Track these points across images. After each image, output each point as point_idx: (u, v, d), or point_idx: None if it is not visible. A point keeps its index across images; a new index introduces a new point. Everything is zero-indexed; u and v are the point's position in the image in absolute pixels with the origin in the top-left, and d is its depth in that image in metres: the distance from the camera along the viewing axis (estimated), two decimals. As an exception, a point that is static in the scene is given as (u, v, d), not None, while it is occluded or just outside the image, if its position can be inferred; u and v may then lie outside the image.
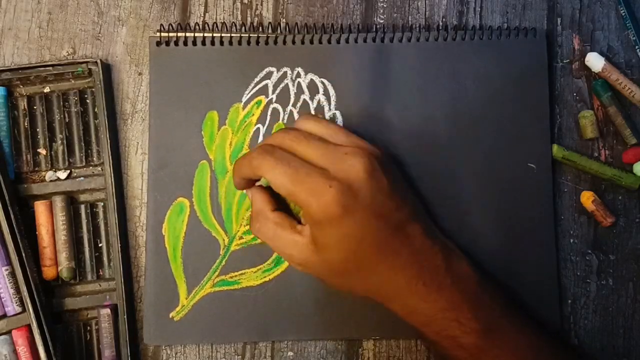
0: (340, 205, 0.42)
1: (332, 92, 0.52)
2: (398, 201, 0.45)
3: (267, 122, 0.52)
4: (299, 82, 0.52)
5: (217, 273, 0.51)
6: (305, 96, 0.52)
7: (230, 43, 0.53)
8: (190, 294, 0.51)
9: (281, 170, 0.43)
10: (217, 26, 0.53)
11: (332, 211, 0.43)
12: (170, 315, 0.50)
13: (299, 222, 0.46)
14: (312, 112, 0.52)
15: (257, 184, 0.47)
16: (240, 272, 0.51)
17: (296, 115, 0.52)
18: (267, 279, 0.51)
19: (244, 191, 0.50)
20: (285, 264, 0.51)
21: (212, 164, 0.52)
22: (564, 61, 0.54)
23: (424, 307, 0.45)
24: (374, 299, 0.46)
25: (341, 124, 0.52)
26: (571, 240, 0.52)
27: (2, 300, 0.49)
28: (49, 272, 0.50)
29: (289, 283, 0.51)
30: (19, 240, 0.49)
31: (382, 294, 0.46)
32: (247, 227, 0.51)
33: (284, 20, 0.54)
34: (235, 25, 0.53)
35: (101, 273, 0.52)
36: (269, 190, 0.47)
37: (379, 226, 0.44)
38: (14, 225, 0.49)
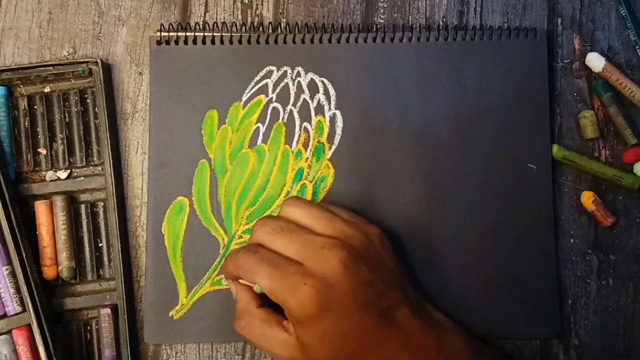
0: (316, 303, 0.42)
1: (332, 91, 0.52)
2: (382, 287, 0.44)
3: (267, 121, 0.52)
4: (299, 81, 0.52)
5: (216, 272, 0.51)
6: (305, 95, 0.52)
7: (231, 42, 0.53)
8: (189, 293, 0.51)
9: (261, 269, 0.43)
10: (217, 26, 0.53)
11: (309, 309, 0.42)
12: (170, 313, 0.50)
13: (285, 318, 0.45)
14: (312, 111, 0.52)
15: (254, 288, 0.46)
16: (240, 271, 0.51)
17: (296, 115, 0.52)
18: (266, 278, 0.51)
19: (228, 285, 0.49)
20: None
21: (211, 163, 0.52)
22: (565, 61, 0.54)
23: None
24: None
25: (341, 124, 0.52)
26: (571, 241, 0.52)
27: (3, 299, 0.49)
28: (49, 272, 0.50)
29: (288, 283, 0.51)
30: (19, 240, 0.49)
31: None
32: (247, 227, 0.51)
33: (284, 20, 0.54)
34: (236, 25, 0.53)
35: (101, 273, 0.52)
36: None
37: (361, 319, 0.43)
38: (14, 225, 0.49)
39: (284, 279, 0.42)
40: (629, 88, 0.52)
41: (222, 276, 0.51)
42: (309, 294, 0.42)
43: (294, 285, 0.42)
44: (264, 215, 0.51)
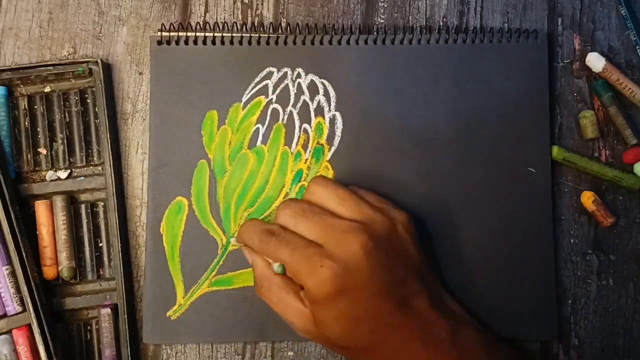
0: (332, 285, 0.42)
1: (332, 93, 0.52)
2: (401, 275, 0.44)
3: (266, 122, 0.52)
4: (299, 82, 0.52)
5: (214, 272, 0.51)
6: (306, 97, 0.52)
7: (231, 43, 0.53)
8: (187, 293, 0.51)
9: (283, 251, 0.44)
10: (217, 26, 0.53)
11: (325, 290, 0.42)
12: (167, 314, 0.50)
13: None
14: (312, 113, 0.52)
15: (273, 267, 0.46)
16: (237, 271, 0.51)
17: (296, 116, 0.52)
18: (264, 279, 0.51)
19: (243, 249, 0.49)
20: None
21: (211, 164, 0.52)
22: (565, 61, 0.54)
23: None
24: None
25: (341, 125, 0.52)
26: (571, 241, 0.52)
27: (3, 299, 0.49)
28: (49, 272, 0.50)
29: (288, 283, 0.51)
30: (20, 240, 0.49)
31: None
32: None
33: (284, 20, 0.54)
34: (236, 25, 0.53)
35: (101, 273, 0.52)
36: None
37: (377, 304, 0.43)
38: (15, 225, 0.49)
39: (303, 261, 0.43)
40: (629, 88, 0.52)
41: (220, 277, 0.51)
42: (325, 275, 0.42)
43: (312, 266, 0.42)
44: (262, 213, 0.51)
